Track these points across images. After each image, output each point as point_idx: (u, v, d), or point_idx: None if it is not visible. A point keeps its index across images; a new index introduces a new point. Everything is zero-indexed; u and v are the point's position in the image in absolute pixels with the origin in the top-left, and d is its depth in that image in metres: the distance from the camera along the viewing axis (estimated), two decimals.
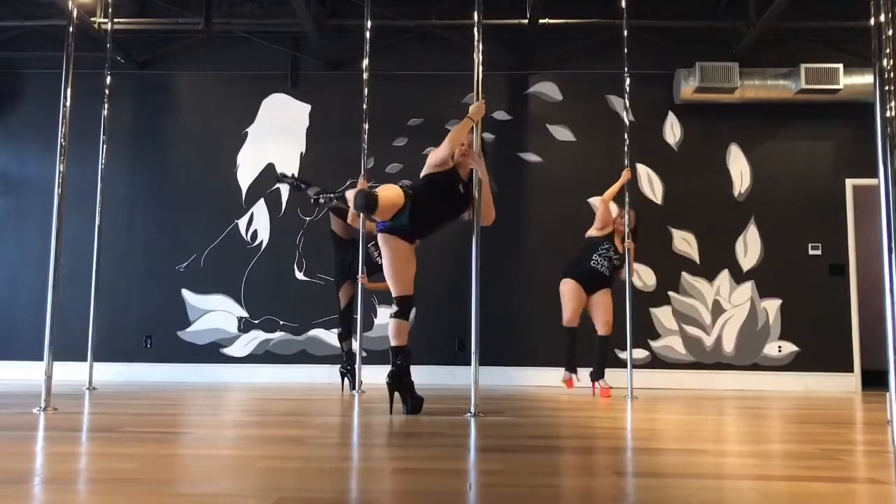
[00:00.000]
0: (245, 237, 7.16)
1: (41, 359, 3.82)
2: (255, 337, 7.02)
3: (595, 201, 6.98)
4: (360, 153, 5.47)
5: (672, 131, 7.16)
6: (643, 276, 6.86)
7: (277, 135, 7.25)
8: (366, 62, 5.54)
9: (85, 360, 5.69)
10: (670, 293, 6.93)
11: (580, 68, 7.25)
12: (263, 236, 7.15)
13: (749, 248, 7.00)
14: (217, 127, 7.29)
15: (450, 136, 3.92)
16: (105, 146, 6.02)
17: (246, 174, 7.24)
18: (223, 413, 3.99)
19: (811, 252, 6.95)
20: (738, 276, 6.97)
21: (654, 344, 6.89)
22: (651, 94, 7.09)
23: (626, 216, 5.61)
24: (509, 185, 6.79)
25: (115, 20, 6.48)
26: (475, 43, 4.06)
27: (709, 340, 6.91)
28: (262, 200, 7.20)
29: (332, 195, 5.56)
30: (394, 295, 3.91)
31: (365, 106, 5.47)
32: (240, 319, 7.05)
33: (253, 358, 6.99)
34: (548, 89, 7.26)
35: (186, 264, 7.11)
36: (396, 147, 7.08)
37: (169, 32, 7.28)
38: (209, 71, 7.43)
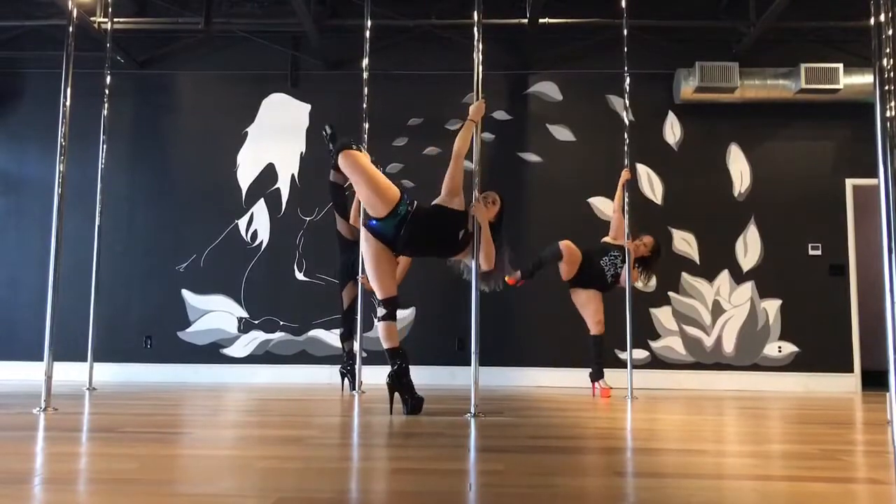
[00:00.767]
0: (245, 237, 7.16)
1: (41, 359, 3.82)
2: (255, 337, 7.02)
3: (596, 202, 7.01)
4: None
5: (672, 131, 7.16)
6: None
7: (277, 135, 7.25)
8: (366, 62, 5.54)
9: (85, 360, 5.69)
10: (670, 293, 6.93)
11: (580, 68, 7.25)
12: (263, 236, 7.15)
13: (749, 248, 7.00)
14: (217, 127, 7.29)
15: (456, 150, 3.86)
16: (105, 146, 6.02)
17: (246, 174, 7.24)
18: (223, 413, 3.99)
19: (811, 252, 6.95)
20: (738, 277, 6.97)
21: (654, 344, 6.89)
22: (651, 94, 7.09)
23: (627, 217, 5.61)
24: (509, 185, 6.80)
25: (115, 20, 6.48)
26: (475, 43, 4.05)
27: (709, 341, 6.91)
28: (262, 200, 7.20)
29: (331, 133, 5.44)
30: (378, 297, 3.90)
31: (365, 106, 5.47)
32: (240, 320, 7.05)
33: (253, 358, 6.99)
34: (548, 89, 7.26)
35: (186, 264, 7.12)
36: (396, 147, 7.08)
37: (169, 32, 7.28)
38: (209, 71, 7.43)
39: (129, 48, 7.22)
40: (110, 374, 6.62)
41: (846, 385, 6.73)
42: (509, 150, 7.14)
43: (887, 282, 1.70)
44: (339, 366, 5.75)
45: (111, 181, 6.44)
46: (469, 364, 3.74)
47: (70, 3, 4.14)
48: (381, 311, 3.88)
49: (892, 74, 1.78)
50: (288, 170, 7.22)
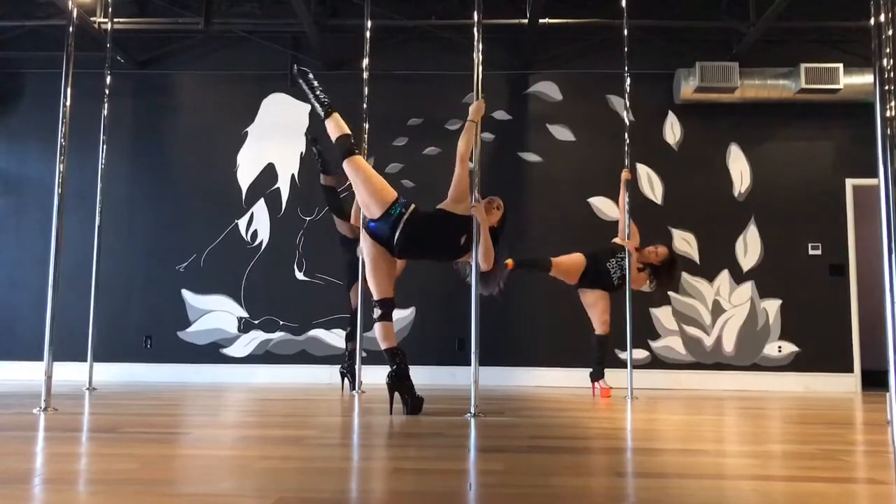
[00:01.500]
0: (245, 237, 7.16)
1: (41, 359, 3.82)
2: (255, 337, 7.02)
3: (596, 202, 7.01)
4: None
5: (672, 131, 7.16)
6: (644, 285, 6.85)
7: (277, 135, 7.25)
8: (366, 62, 5.54)
9: (85, 360, 5.69)
10: (670, 293, 6.93)
11: (580, 68, 7.25)
12: (263, 236, 7.15)
13: (749, 248, 7.00)
14: (217, 127, 7.30)
15: (460, 154, 3.87)
16: (105, 146, 6.02)
17: (246, 174, 7.24)
18: (223, 413, 3.99)
19: (811, 252, 6.95)
20: (738, 276, 6.97)
21: (654, 344, 6.89)
22: (651, 94, 7.09)
23: (628, 217, 5.61)
24: (509, 185, 6.80)
25: (115, 20, 6.49)
26: (475, 43, 4.05)
27: (709, 340, 6.91)
28: (262, 200, 7.20)
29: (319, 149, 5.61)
30: (374, 298, 3.91)
31: (365, 106, 5.47)
32: (240, 320, 7.05)
33: (253, 358, 6.99)
34: (548, 89, 7.26)
35: (186, 264, 7.12)
36: (396, 147, 7.08)
37: (169, 32, 7.28)
38: (209, 71, 7.43)
39: (129, 48, 7.22)
40: (110, 374, 6.62)
41: (846, 385, 6.73)
42: (509, 150, 7.14)
43: (887, 282, 1.70)
44: (340, 366, 5.76)
45: (111, 181, 6.44)
46: (469, 364, 3.74)
47: (70, 3, 4.14)
48: (376, 312, 3.89)
49: (892, 74, 1.78)
50: (288, 170, 7.22)
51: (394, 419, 3.59)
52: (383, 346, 3.85)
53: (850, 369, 6.77)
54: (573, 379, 6.49)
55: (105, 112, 6.06)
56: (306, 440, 2.80)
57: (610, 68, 6.91)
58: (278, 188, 7.19)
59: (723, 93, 6.89)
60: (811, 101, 6.91)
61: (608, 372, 5.66)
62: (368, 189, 3.88)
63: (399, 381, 3.79)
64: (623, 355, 5.91)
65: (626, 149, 5.68)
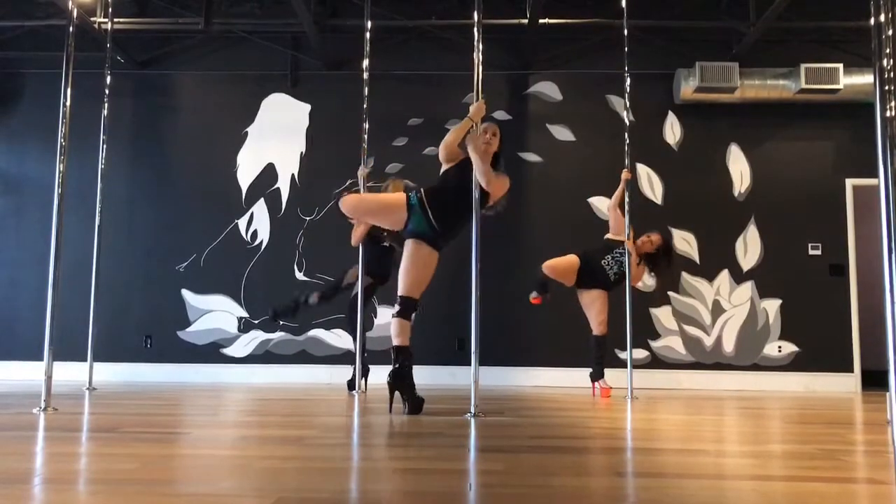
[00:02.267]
0: (245, 237, 7.16)
1: (41, 359, 3.82)
2: (255, 337, 7.02)
3: (596, 202, 7.01)
4: (360, 153, 5.46)
5: (672, 131, 7.16)
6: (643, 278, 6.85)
7: (277, 135, 7.25)
8: (366, 62, 5.53)
9: (85, 360, 5.69)
10: (670, 293, 6.93)
11: (580, 68, 7.25)
12: (263, 236, 7.15)
13: (749, 248, 7.00)
14: (217, 127, 7.30)
15: (445, 142, 3.99)
16: (105, 146, 6.02)
17: (246, 174, 7.24)
18: (223, 413, 3.99)
19: (811, 252, 6.95)
20: (738, 276, 6.97)
21: (653, 344, 6.89)
22: (651, 94, 7.09)
23: (627, 217, 5.60)
24: (509, 186, 6.79)
25: (115, 20, 6.49)
26: (475, 43, 4.05)
27: (709, 340, 6.91)
28: (262, 200, 7.20)
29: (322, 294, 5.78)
30: (399, 293, 3.90)
31: (365, 106, 5.47)
32: (240, 319, 7.05)
33: (253, 358, 6.99)
34: (548, 89, 7.26)
35: (186, 264, 7.12)
36: (396, 147, 7.08)
37: (169, 32, 7.28)
38: (209, 71, 7.43)
39: (129, 48, 7.22)
40: (110, 373, 6.62)
41: (846, 385, 6.73)
42: (509, 150, 7.08)
43: (887, 282, 1.70)
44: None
45: (111, 181, 6.44)
46: (469, 364, 3.74)
47: (70, 3, 4.14)
48: (396, 307, 3.88)
49: (892, 74, 1.77)
50: (288, 170, 7.22)
51: (394, 419, 3.59)
52: (395, 343, 3.84)
53: (850, 369, 6.77)
54: (573, 379, 6.48)
55: (105, 112, 6.06)
56: (306, 440, 2.80)
57: (610, 68, 6.91)
58: (278, 188, 7.19)
59: (723, 93, 6.89)
60: (811, 101, 6.91)
61: (608, 372, 5.65)
62: (381, 206, 4.08)
63: (399, 381, 3.79)
64: (623, 355, 5.90)
65: (626, 149, 5.68)
